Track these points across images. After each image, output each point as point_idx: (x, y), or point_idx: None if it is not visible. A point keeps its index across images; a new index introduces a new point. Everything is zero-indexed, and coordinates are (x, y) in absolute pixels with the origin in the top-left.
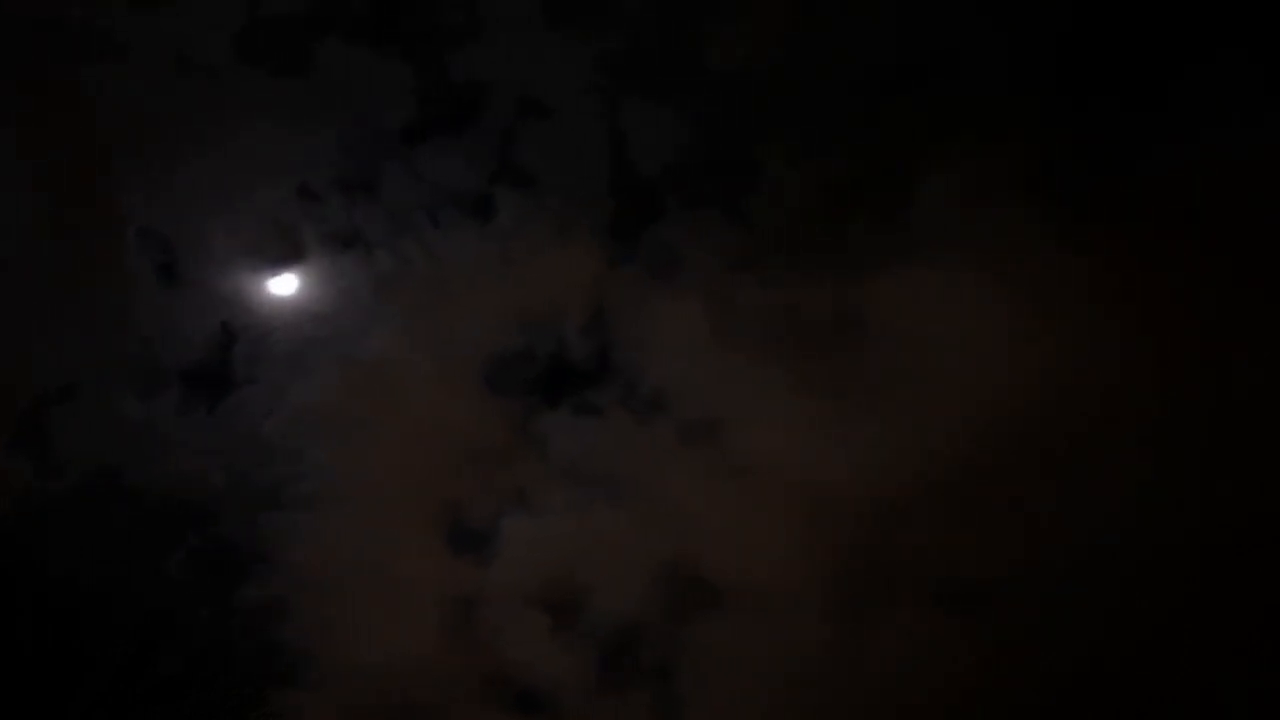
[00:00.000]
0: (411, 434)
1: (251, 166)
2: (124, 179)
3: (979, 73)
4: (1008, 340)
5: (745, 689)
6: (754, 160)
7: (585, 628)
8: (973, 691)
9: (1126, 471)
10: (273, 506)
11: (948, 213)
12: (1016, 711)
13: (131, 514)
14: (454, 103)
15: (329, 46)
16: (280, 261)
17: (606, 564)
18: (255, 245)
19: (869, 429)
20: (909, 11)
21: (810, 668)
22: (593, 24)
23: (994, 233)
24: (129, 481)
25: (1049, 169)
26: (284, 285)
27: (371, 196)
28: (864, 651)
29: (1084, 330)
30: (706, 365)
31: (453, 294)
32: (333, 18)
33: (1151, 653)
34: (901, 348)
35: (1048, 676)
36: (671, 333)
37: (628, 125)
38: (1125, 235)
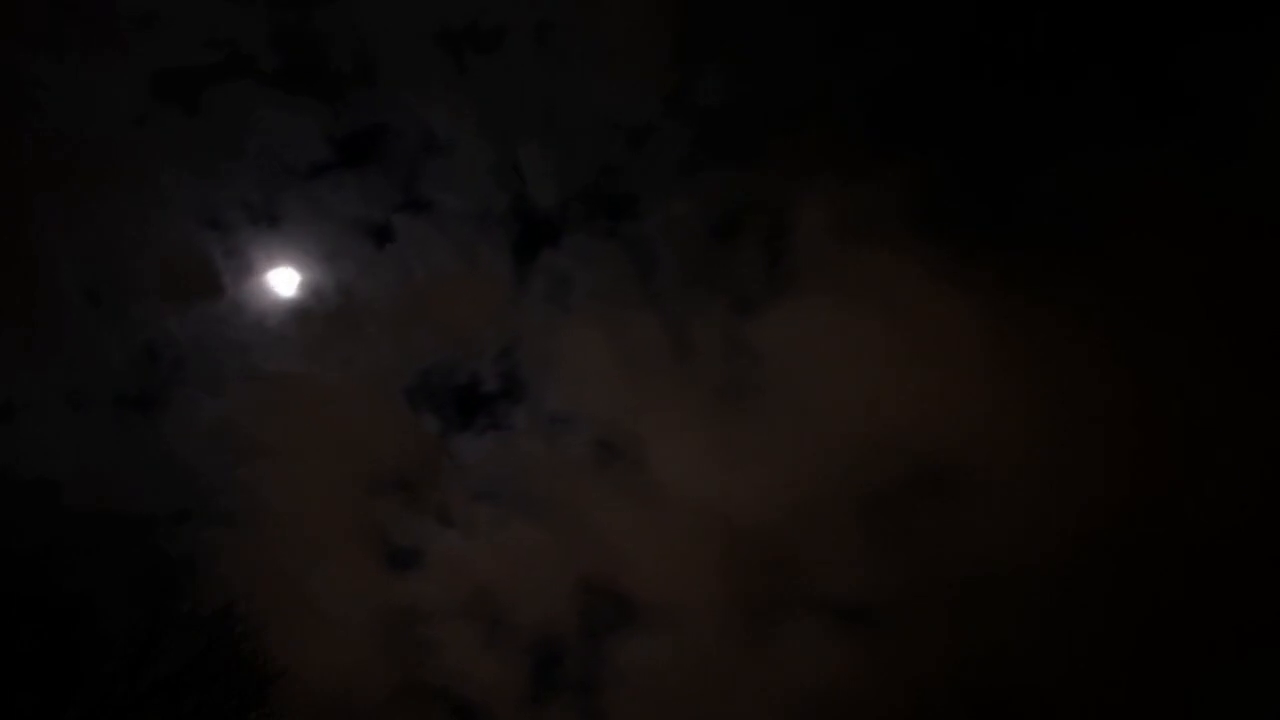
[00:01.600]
0: (330, 453)
1: (168, 200)
2: (48, 215)
3: (856, 109)
4: (893, 369)
5: (659, 700)
6: (642, 195)
7: (510, 642)
8: (866, 702)
9: (1007, 493)
10: (196, 522)
11: (828, 245)
12: None
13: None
14: (359, 140)
15: (240, 90)
16: (200, 288)
17: (527, 581)
18: (177, 273)
19: (765, 454)
20: (790, 51)
21: (717, 680)
22: (493, 71)
23: (874, 263)
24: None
25: (928, 201)
26: (204, 311)
27: (282, 227)
28: (766, 664)
29: (964, 358)
30: (609, 390)
31: (362, 319)
32: (243, 65)
33: (1035, 664)
34: (791, 376)
35: (937, 688)
36: (574, 358)
37: (524, 161)
38: (1003, 263)
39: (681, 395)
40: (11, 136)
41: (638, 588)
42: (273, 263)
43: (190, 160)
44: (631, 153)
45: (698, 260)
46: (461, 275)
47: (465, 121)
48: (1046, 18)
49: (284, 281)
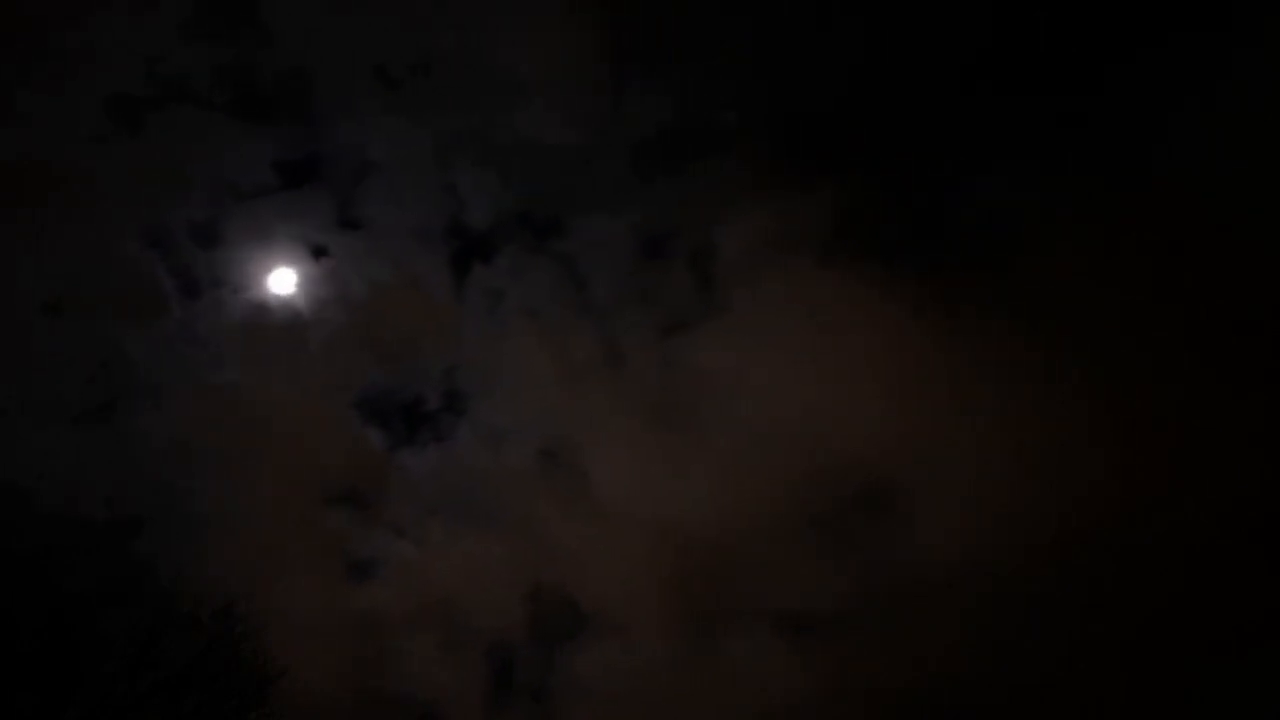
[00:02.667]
0: (282, 465)
1: (121, 221)
2: (8, 233)
3: (780, 134)
4: (823, 387)
5: (611, 709)
6: (573, 216)
7: (465, 651)
8: (812, 709)
9: (940, 506)
10: (154, 532)
11: (754, 266)
12: None
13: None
14: (299, 164)
15: (185, 116)
16: (151, 305)
17: (479, 590)
18: (129, 290)
19: (704, 469)
20: (715, 78)
21: (666, 689)
22: (427, 96)
23: (800, 284)
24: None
25: (850, 223)
26: (156, 325)
27: (228, 247)
28: (714, 674)
29: (892, 376)
30: (549, 404)
31: (308, 335)
32: (188, 94)
33: (974, 668)
34: (724, 394)
35: (880, 695)
36: (513, 372)
37: (460, 183)
38: (926, 283)
39: (619, 410)
40: None
41: (587, 597)
42: (220, 280)
43: (140, 183)
44: (562, 175)
45: (629, 280)
46: (401, 292)
47: (402, 145)
48: (966, 46)
49: (232, 298)
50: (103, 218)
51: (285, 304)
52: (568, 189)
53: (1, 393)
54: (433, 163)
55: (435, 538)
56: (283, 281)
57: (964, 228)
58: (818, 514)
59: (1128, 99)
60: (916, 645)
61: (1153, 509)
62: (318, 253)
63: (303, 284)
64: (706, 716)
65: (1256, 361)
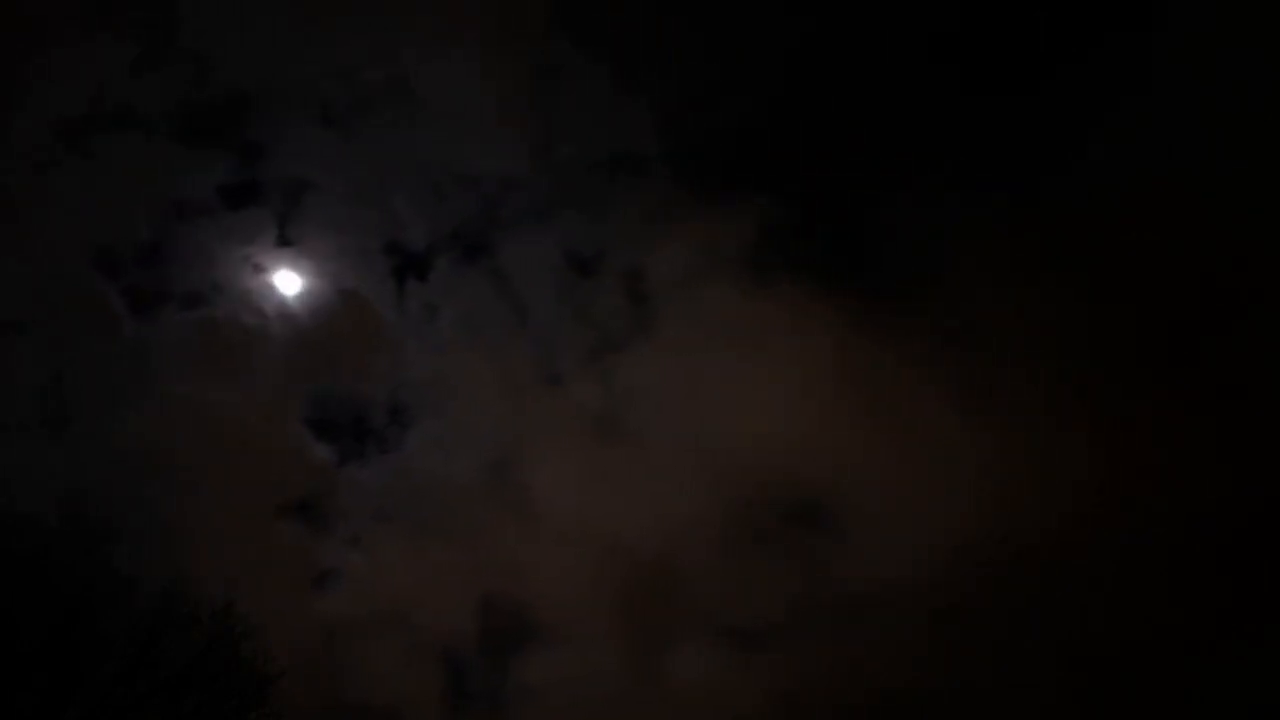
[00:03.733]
0: (235, 478)
1: (74, 240)
2: None
3: (705, 158)
4: (756, 406)
5: (557, 716)
6: (507, 238)
7: (418, 659)
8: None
9: (879, 520)
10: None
11: (682, 287)
12: None
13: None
14: (243, 186)
15: (132, 140)
16: (102, 322)
17: (431, 600)
18: (80, 306)
19: (641, 484)
20: (640, 103)
21: (610, 698)
22: (364, 129)
23: (727, 304)
24: None
25: (775, 244)
26: (108, 342)
27: (174, 265)
28: (655, 684)
29: (821, 395)
30: (491, 418)
31: (254, 349)
32: (135, 118)
33: (909, 675)
34: (656, 412)
35: (819, 708)
36: (455, 387)
37: (396, 207)
38: (851, 302)
39: (560, 425)
40: None
41: (535, 608)
42: (167, 297)
43: (88, 205)
44: (494, 199)
45: (563, 298)
46: (343, 309)
47: (339, 170)
48: (889, 67)
49: (179, 315)
50: (53, 239)
51: (231, 321)
52: (500, 212)
53: None
54: (369, 187)
55: (386, 549)
56: (229, 299)
57: (889, 244)
58: (757, 529)
59: (1051, 112)
60: (854, 656)
61: (1080, 521)
62: (260, 270)
63: (247, 301)
64: None
65: (1183, 372)
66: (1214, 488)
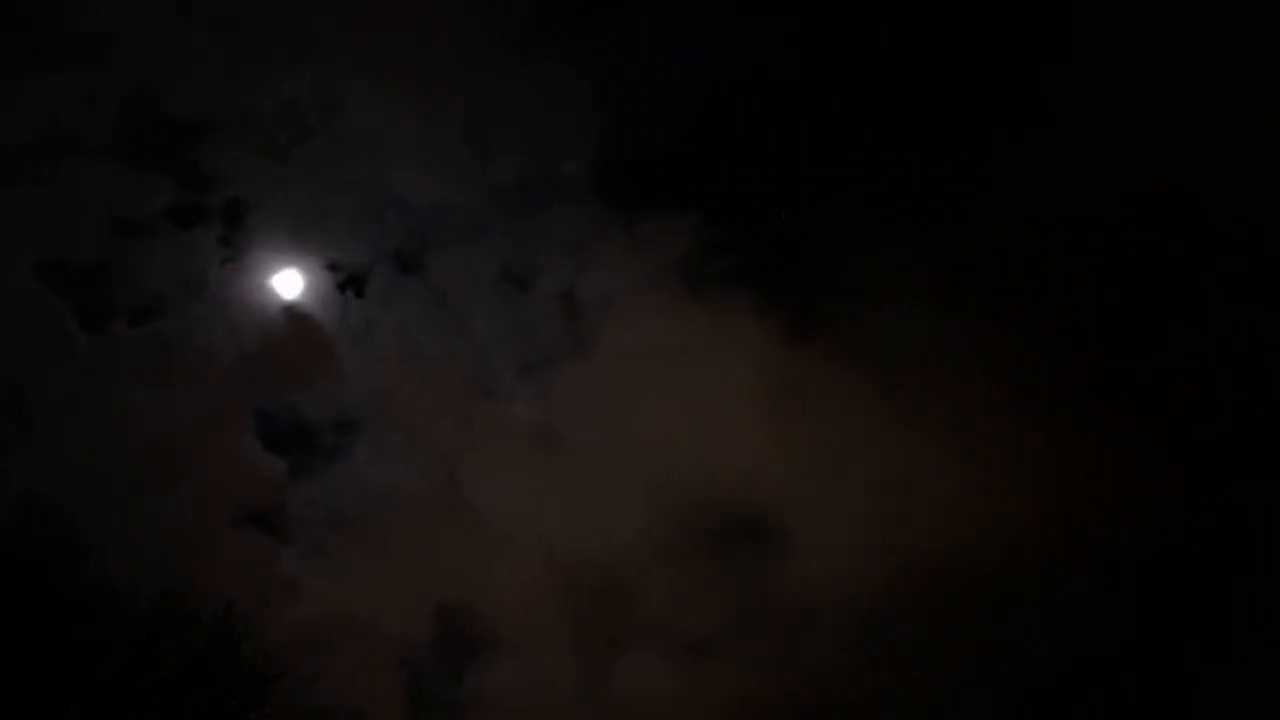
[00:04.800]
0: (187, 490)
1: (19, 258)
2: None
3: (633, 176)
4: (696, 422)
5: None
6: (443, 257)
7: (376, 668)
8: None
9: (819, 532)
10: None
11: (616, 305)
12: None
13: None
14: (184, 206)
15: (78, 163)
16: (49, 337)
17: (387, 608)
18: (28, 323)
19: (591, 498)
20: (568, 122)
21: (560, 707)
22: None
23: (661, 322)
24: None
25: (706, 261)
26: (60, 357)
27: (123, 281)
28: (604, 693)
29: (758, 410)
30: (439, 433)
31: (200, 363)
32: (80, 141)
33: (851, 691)
34: (596, 428)
35: (767, 710)
36: (399, 398)
37: (334, 227)
38: (783, 318)
39: (500, 439)
40: None
41: (488, 616)
42: (116, 312)
43: (34, 223)
44: (431, 219)
45: (501, 316)
46: (287, 324)
47: (282, 193)
48: (816, 86)
49: (129, 329)
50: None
51: (179, 337)
52: (434, 232)
53: None
54: (309, 209)
55: (340, 559)
56: (176, 315)
57: (818, 261)
58: (700, 540)
59: (967, 132)
60: (796, 664)
61: (1011, 532)
62: (206, 288)
63: (195, 318)
64: None
65: (1104, 390)
66: (1142, 499)
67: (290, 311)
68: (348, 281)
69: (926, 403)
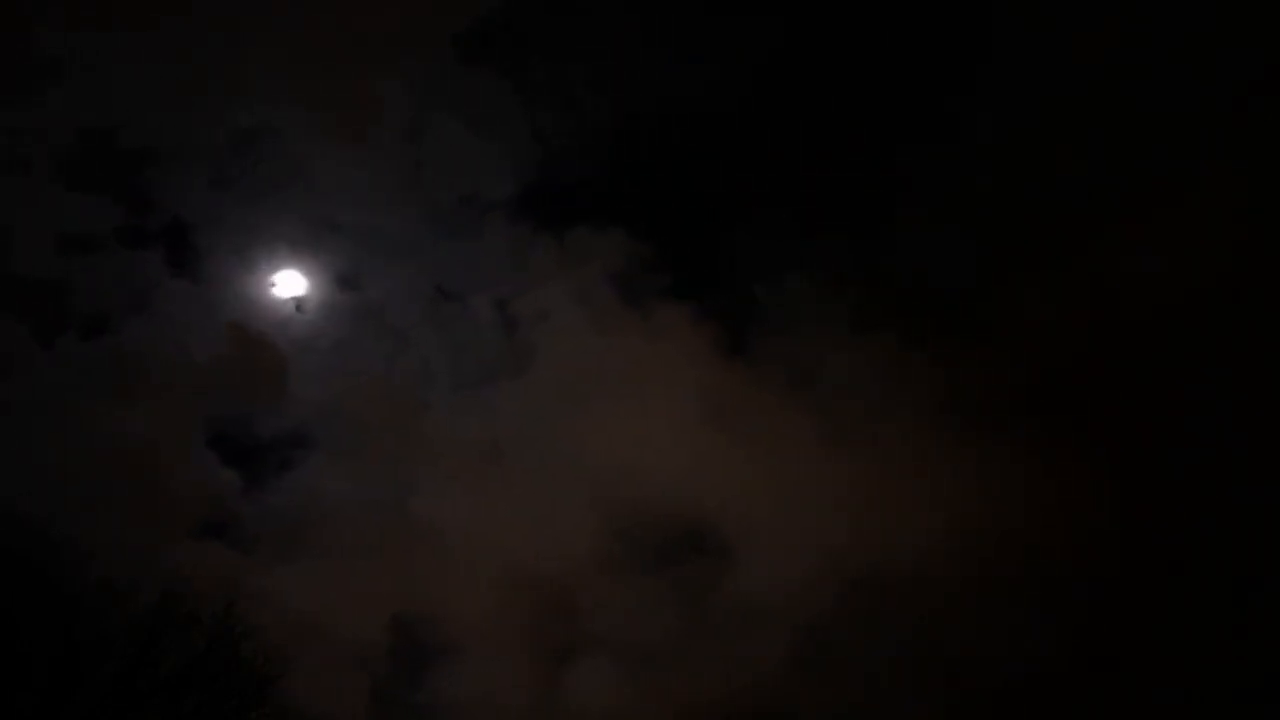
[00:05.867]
0: (145, 502)
1: None
2: None
3: (567, 196)
4: (647, 433)
5: None
6: (380, 276)
7: (335, 678)
8: None
9: (761, 546)
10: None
11: (551, 321)
12: None
13: None
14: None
15: (30, 185)
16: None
17: (343, 618)
18: None
19: (541, 512)
20: (503, 142)
21: (516, 712)
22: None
23: (597, 338)
24: None
25: (638, 278)
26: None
27: (75, 298)
28: (556, 697)
29: (697, 426)
30: (389, 446)
31: (164, 375)
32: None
33: (793, 697)
34: (539, 442)
35: (711, 716)
36: (346, 413)
37: (276, 252)
38: (714, 333)
39: (442, 452)
40: None
41: (442, 626)
42: (69, 328)
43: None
44: (369, 243)
45: (440, 333)
46: (236, 341)
47: (228, 216)
48: (744, 107)
49: (82, 344)
50: None
51: (133, 351)
52: (372, 252)
53: None
54: (254, 231)
55: (295, 569)
56: (130, 331)
57: (747, 279)
58: (642, 553)
59: (889, 146)
60: (740, 672)
61: (947, 545)
62: (158, 305)
63: (147, 333)
64: None
65: (1036, 405)
66: (1075, 511)
67: (236, 328)
68: (290, 301)
69: (859, 417)
